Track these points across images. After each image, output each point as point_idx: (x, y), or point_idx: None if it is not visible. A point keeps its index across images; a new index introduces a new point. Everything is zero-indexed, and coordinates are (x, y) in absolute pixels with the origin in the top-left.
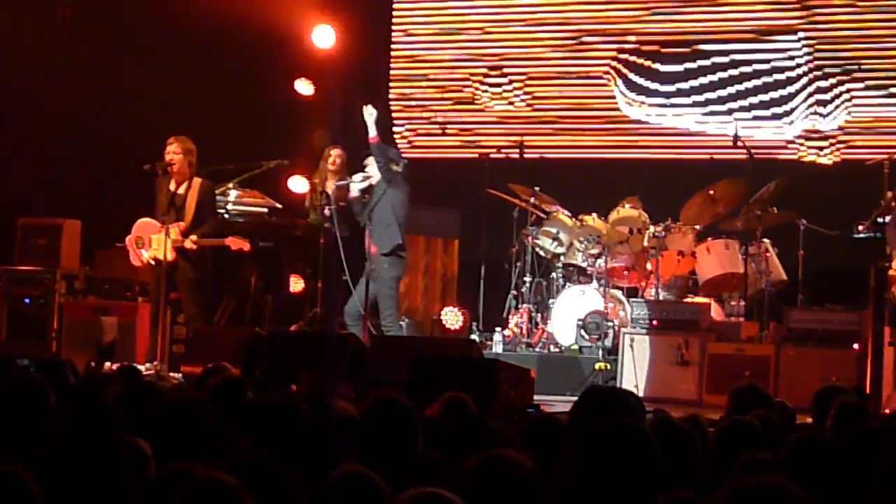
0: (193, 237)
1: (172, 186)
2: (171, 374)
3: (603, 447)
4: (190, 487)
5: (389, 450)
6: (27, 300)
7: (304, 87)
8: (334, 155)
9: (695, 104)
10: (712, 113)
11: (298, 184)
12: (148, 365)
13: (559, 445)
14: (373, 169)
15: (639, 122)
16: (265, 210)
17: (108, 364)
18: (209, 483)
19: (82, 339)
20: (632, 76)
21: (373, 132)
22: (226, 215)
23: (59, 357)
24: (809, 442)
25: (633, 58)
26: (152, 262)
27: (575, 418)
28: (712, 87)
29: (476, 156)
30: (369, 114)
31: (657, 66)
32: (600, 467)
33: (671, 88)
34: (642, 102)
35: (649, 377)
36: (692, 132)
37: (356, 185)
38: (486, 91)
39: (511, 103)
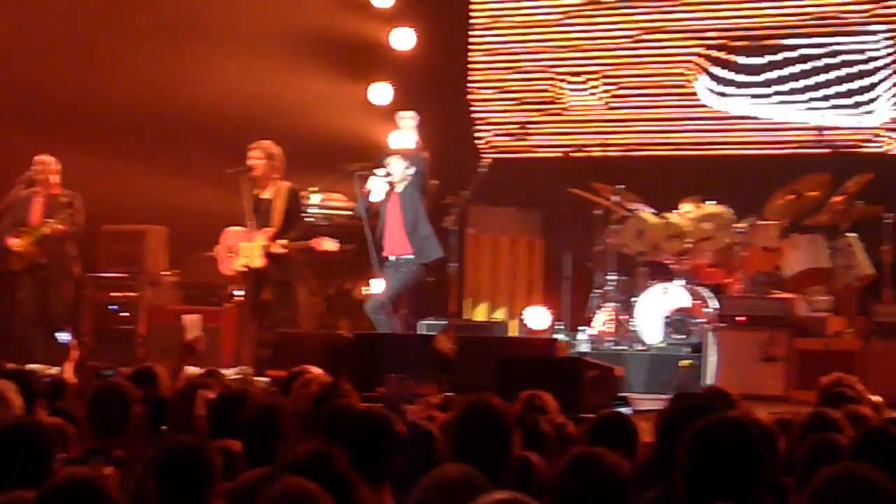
0: (282, 242)
1: (256, 191)
2: (257, 377)
3: (713, 445)
4: (272, 492)
5: (485, 453)
6: (113, 307)
7: (382, 90)
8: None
9: (777, 94)
10: (795, 104)
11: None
12: (234, 369)
13: (630, 444)
14: (394, 170)
15: (721, 118)
16: (349, 213)
17: (192, 368)
18: (291, 488)
19: (168, 345)
20: (714, 70)
21: (414, 140)
22: (311, 219)
23: (145, 363)
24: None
25: (715, 52)
26: (243, 270)
27: (666, 422)
28: (794, 78)
29: (558, 155)
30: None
31: (739, 58)
32: (712, 465)
33: (754, 80)
34: (724, 93)
35: (735, 374)
36: (775, 125)
37: (377, 180)
38: (566, 90)
39: (592, 101)
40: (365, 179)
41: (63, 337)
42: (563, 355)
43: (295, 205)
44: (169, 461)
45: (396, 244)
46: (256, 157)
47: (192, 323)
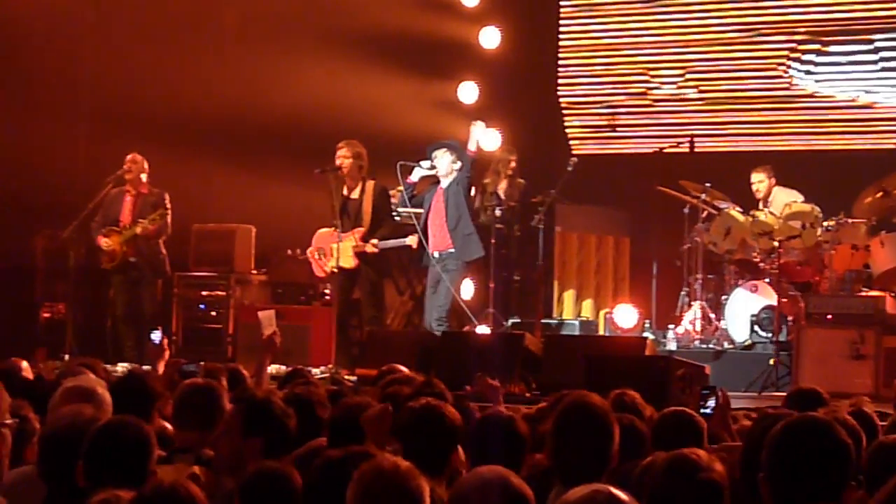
0: (374, 241)
1: (345, 191)
2: (347, 376)
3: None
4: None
5: (582, 453)
6: (202, 306)
7: (470, 89)
8: (512, 160)
9: (867, 83)
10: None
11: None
12: (322, 368)
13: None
14: (441, 163)
15: (811, 119)
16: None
17: (277, 366)
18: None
19: (256, 343)
20: (807, 62)
21: (474, 146)
22: (397, 217)
23: (233, 362)
24: None
25: (808, 46)
26: (335, 271)
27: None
28: (885, 71)
29: (647, 152)
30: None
31: (832, 49)
32: (796, 467)
33: (846, 71)
34: (819, 80)
35: (824, 372)
36: (865, 118)
37: (420, 172)
38: (656, 87)
39: (681, 99)
40: (409, 171)
41: (156, 336)
42: (652, 353)
43: (383, 203)
44: (255, 486)
45: (439, 240)
46: (344, 156)
47: (266, 318)
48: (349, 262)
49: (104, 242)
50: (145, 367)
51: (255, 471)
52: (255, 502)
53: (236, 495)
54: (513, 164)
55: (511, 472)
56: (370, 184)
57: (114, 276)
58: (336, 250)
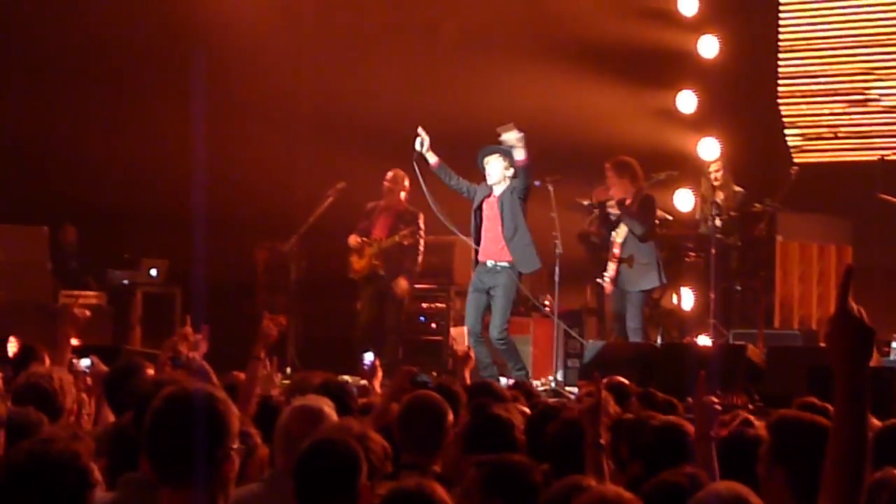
0: None
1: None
2: (567, 388)
3: None
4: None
5: (804, 465)
6: (422, 318)
7: (689, 98)
8: (713, 170)
9: None
10: None
11: (685, 198)
12: (542, 380)
13: None
14: (493, 169)
15: None
16: (656, 222)
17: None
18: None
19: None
20: None
21: (521, 155)
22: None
23: (453, 374)
24: None
25: None
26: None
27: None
28: None
29: (870, 159)
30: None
31: None
32: None
33: None
34: None
35: None
36: None
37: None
38: (879, 91)
39: None
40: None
41: (368, 358)
42: (877, 365)
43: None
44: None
45: (494, 250)
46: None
47: (458, 335)
48: None
49: (354, 260)
50: (363, 381)
51: None
52: None
53: None
54: (718, 172)
55: (748, 489)
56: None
57: (363, 287)
58: None
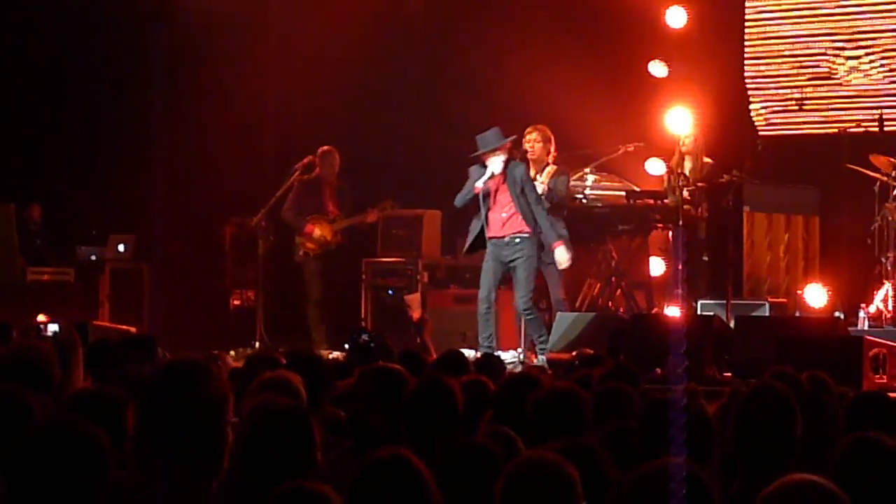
0: None
1: (532, 173)
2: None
3: None
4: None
5: (767, 436)
6: (390, 291)
7: (658, 68)
8: (683, 137)
9: None
10: None
11: (655, 167)
12: (511, 352)
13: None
14: (496, 167)
15: None
16: (622, 193)
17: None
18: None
19: (445, 329)
20: None
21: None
22: (583, 200)
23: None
24: None
25: None
26: None
27: None
28: None
29: (834, 131)
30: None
31: None
32: None
33: None
34: None
35: None
36: None
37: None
38: (843, 64)
39: (869, 76)
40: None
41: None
42: (844, 334)
43: (561, 186)
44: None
45: (506, 223)
46: (534, 140)
47: (413, 302)
48: None
49: (316, 232)
50: (335, 354)
51: None
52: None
53: None
54: (686, 142)
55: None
56: (550, 168)
57: (310, 263)
58: None
